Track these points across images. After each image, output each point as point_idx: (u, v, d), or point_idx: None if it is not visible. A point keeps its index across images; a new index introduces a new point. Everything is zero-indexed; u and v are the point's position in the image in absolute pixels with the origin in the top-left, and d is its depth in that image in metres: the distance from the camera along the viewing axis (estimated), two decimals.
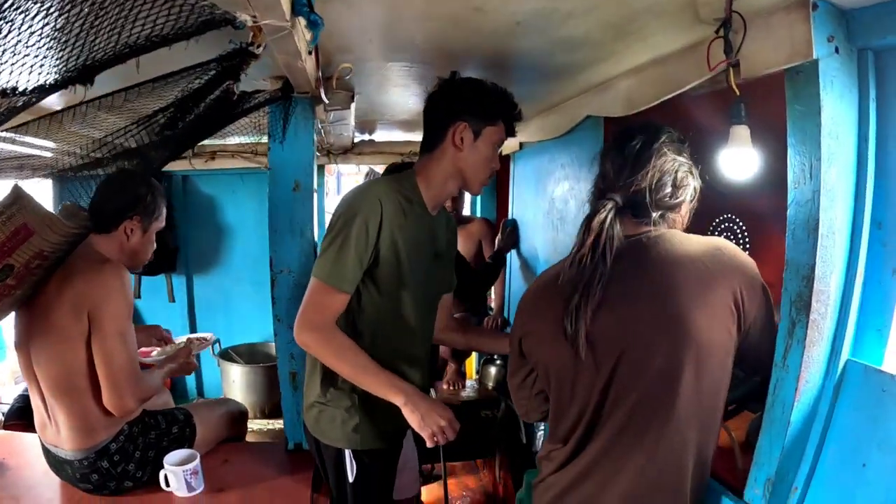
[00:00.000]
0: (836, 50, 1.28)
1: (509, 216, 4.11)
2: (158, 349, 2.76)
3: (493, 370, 3.92)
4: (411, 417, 1.87)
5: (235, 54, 1.48)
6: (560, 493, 1.64)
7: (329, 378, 2.04)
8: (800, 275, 1.37)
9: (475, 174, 1.99)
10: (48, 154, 2.59)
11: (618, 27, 1.74)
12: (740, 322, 1.43)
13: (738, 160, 1.65)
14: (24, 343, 2.15)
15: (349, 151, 4.29)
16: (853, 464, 1.36)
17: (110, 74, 1.28)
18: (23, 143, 2.36)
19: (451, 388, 3.97)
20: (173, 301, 4.64)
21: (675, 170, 1.53)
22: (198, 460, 2.24)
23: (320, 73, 2.04)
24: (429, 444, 1.90)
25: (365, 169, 6.75)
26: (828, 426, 1.42)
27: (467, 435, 3.63)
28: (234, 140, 3.94)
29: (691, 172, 1.57)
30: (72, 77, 1.22)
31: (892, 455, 1.27)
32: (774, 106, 1.51)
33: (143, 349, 2.67)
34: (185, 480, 2.19)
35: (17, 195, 1.78)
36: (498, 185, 4.72)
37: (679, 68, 1.81)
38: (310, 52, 1.74)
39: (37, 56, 1.06)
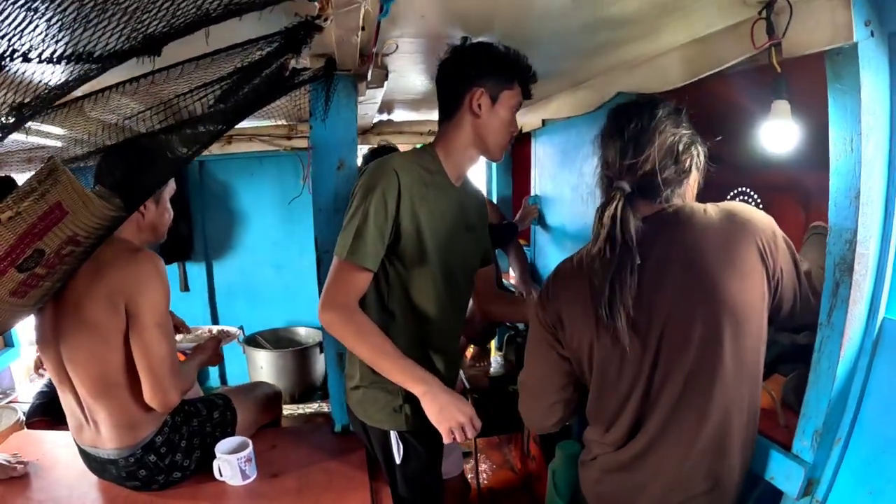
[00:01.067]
0: (872, 34, 1.36)
1: (532, 193, 4.06)
2: (180, 335, 2.72)
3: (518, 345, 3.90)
4: (429, 409, 1.85)
5: (301, 27, 1.44)
6: (617, 468, 1.68)
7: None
8: (843, 239, 1.46)
9: (495, 139, 1.98)
10: (58, 143, 2.51)
11: (665, 5, 1.72)
12: (769, 276, 1.48)
13: (779, 133, 1.70)
14: (53, 341, 2.04)
15: (369, 131, 4.23)
16: (891, 413, 1.46)
17: (176, 44, 1.24)
18: (37, 133, 2.29)
19: (477, 364, 3.94)
20: (187, 290, 4.60)
21: (676, 143, 1.54)
22: (251, 447, 2.20)
23: (374, 50, 1.99)
24: (446, 440, 1.87)
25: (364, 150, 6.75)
26: (867, 380, 1.52)
27: (494, 411, 3.66)
28: (250, 123, 3.90)
29: (694, 141, 1.58)
30: (138, 47, 1.17)
31: None
32: (803, 84, 1.62)
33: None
34: (240, 468, 2.16)
35: (53, 168, 1.56)
36: (515, 163, 4.67)
37: (718, 47, 1.84)
38: (363, 28, 1.69)
39: (109, 21, 1.00)
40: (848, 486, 1.54)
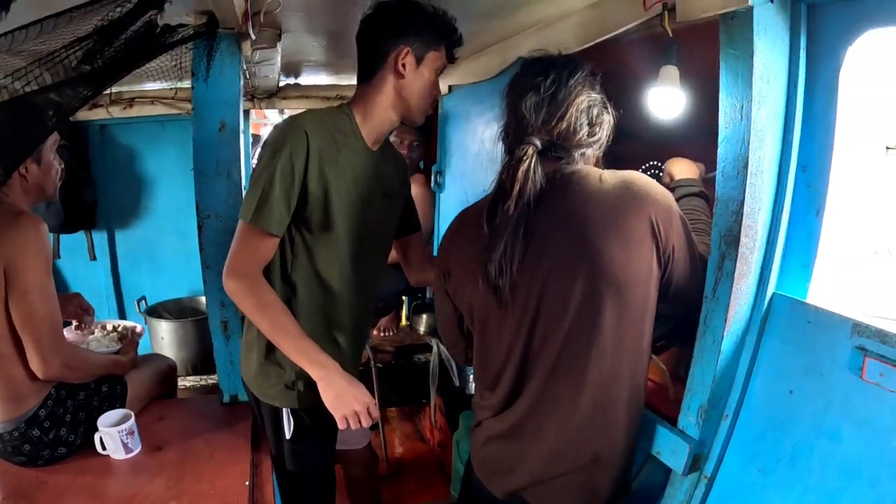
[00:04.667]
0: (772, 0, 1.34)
1: (436, 161, 4.03)
2: (93, 335, 2.62)
3: (424, 316, 3.94)
4: (325, 395, 1.83)
5: None
6: (499, 434, 1.69)
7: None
8: (729, 210, 1.45)
9: (418, 102, 1.91)
10: None
11: None
12: (659, 252, 1.46)
13: (666, 99, 1.74)
14: None
15: (274, 95, 4.12)
16: (780, 391, 1.48)
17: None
18: None
19: (382, 333, 3.95)
20: (94, 259, 4.43)
21: (591, 107, 1.55)
22: (132, 420, 2.13)
23: (248, 7, 1.91)
24: (340, 426, 1.85)
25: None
26: (755, 356, 1.54)
27: (402, 381, 3.65)
28: (153, 86, 3.77)
29: (605, 107, 1.59)
30: None
31: (818, 380, 1.39)
32: (702, 53, 1.61)
33: (75, 336, 2.53)
34: (122, 441, 2.09)
35: None
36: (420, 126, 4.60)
37: (614, 11, 1.83)
38: None
39: None
40: (737, 462, 1.57)
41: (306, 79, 4.07)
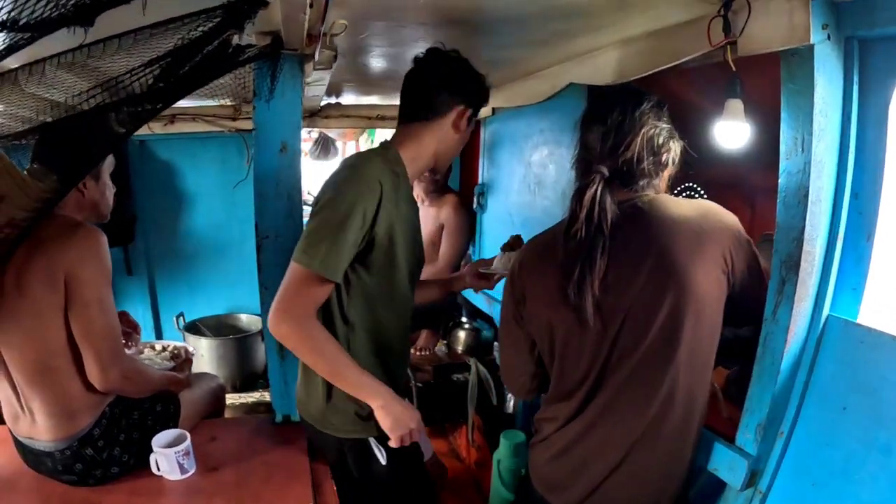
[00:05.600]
0: (829, 37, 1.41)
1: (479, 181, 4.03)
2: (142, 353, 2.63)
3: (462, 334, 3.93)
4: (384, 420, 1.85)
5: (244, 1, 1.36)
6: (563, 448, 1.72)
7: None
8: (790, 237, 1.52)
9: (453, 155, 2.05)
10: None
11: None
12: (729, 275, 1.55)
13: (732, 132, 1.78)
14: None
15: (316, 115, 4.13)
16: (834, 408, 1.53)
17: (110, 16, 1.15)
18: None
19: (420, 353, 3.94)
20: (131, 274, 4.43)
21: (657, 136, 1.61)
22: (188, 441, 2.12)
23: (321, 29, 1.92)
24: (394, 445, 1.88)
25: (315, 134, 6.60)
26: (810, 375, 1.60)
27: (440, 400, 3.63)
28: (194, 103, 3.77)
29: (672, 136, 1.66)
30: (69, 16, 1.08)
31: (869, 397, 1.45)
32: (754, 83, 1.72)
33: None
34: (178, 462, 2.08)
35: None
36: (462, 151, 4.59)
37: (673, 42, 1.86)
38: (311, 5, 1.62)
39: None
40: (790, 477, 1.62)
41: (347, 98, 4.07)
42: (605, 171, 1.57)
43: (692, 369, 1.56)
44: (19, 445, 2.09)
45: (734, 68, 1.59)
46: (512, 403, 3.59)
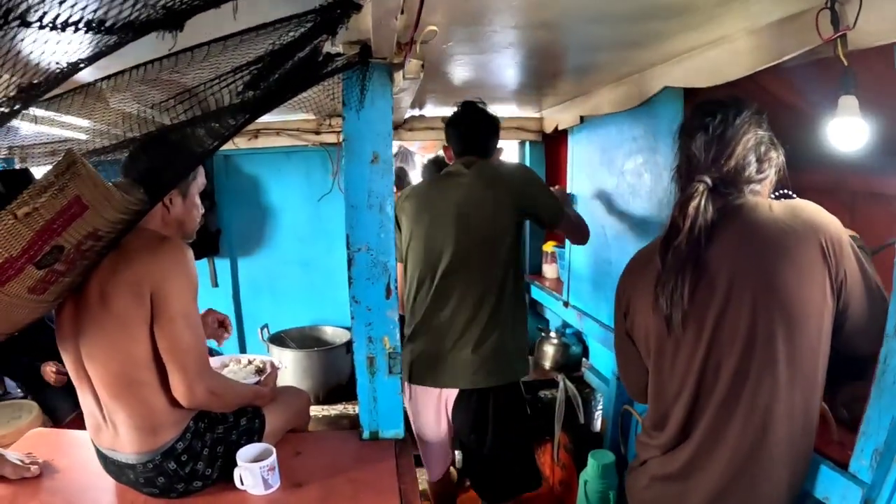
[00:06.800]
0: None
1: (568, 191, 3.95)
2: (227, 367, 2.63)
3: (550, 350, 3.88)
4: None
5: (337, 5, 1.32)
6: (663, 477, 1.68)
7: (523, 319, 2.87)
8: None
9: None
10: (83, 136, 2.42)
11: None
12: (831, 277, 1.45)
13: (848, 130, 1.64)
14: (72, 338, 1.96)
15: (400, 127, 4.13)
16: None
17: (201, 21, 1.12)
18: (60, 125, 2.22)
19: None
20: (216, 286, 4.55)
21: (759, 144, 1.59)
22: (274, 455, 2.08)
23: (411, 36, 1.89)
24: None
25: (395, 147, 6.62)
26: None
27: (526, 417, 3.56)
28: (278, 118, 3.86)
29: (773, 144, 1.62)
30: (159, 19, 1.05)
31: None
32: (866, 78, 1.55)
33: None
34: (262, 478, 2.04)
35: (72, 161, 1.50)
36: (548, 161, 4.60)
37: (775, 39, 1.79)
38: (402, 12, 1.57)
39: None
40: None
41: (430, 110, 4.06)
42: (709, 180, 1.55)
43: (794, 386, 1.48)
44: (101, 456, 2.09)
45: (846, 62, 1.51)
46: (600, 422, 3.54)
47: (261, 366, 2.66)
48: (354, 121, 2.17)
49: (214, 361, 2.61)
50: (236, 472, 2.07)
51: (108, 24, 0.88)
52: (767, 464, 1.51)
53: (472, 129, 2.87)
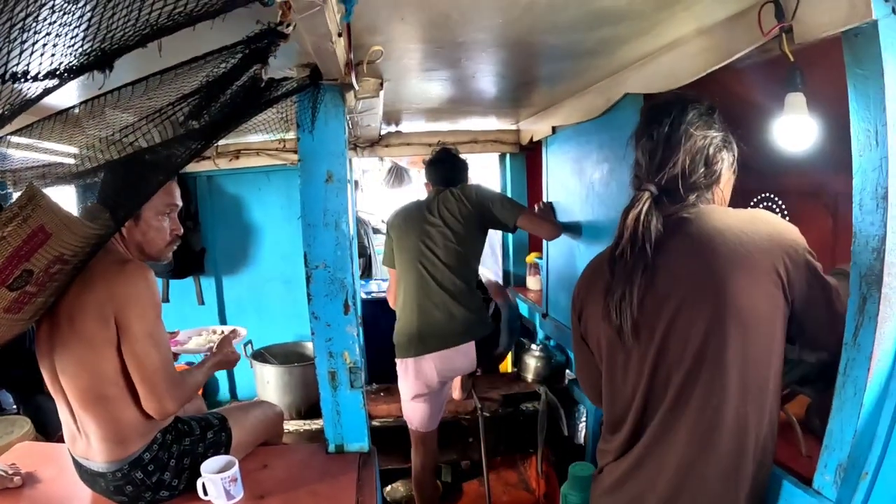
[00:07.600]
0: (894, 10, 1.23)
1: (545, 200, 3.99)
2: (194, 336, 2.69)
3: (531, 361, 3.85)
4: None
5: (264, 35, 1.37)
6: (614, 483, 1.64)
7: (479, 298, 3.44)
8: (869, 247, 1.33)
9: None
10: (71, 161, 2.49)
11: None
12: (785, 290, 1.42)
13: (795, 129, 1.62)
14: (48, 354, 2.03)
15: (376, 144, 4.20)
16: None
17: (131, 59, 1.17)
18: (44, 151, 2.27)
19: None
20: (202, 304, 4.62)
21: (706, 147, 1.53)
22: (236, 467, 2.14)
23: (351, 57, 1.94)
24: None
25: (388, 164, 6.68)
26: None
27: (509, 429, 3.59)
28: (257, 138, 3.91)
29: (725, 145, 1.57)
30: (88, 63, 1.10)
31: None
32: (823, 76, 1.55)
33: (178, 338, 2.63)
34: (224, 488, 2.10)
35: (32, 195, 1.60)
36: (529, 171, 4.69)
37: (725, 38, 1.77)
38: (340, 34, 1.63)
39: (47, 34, 0.93)
40: None
41: (407, 126, 4.12)
42: (654, 188, 1.53)
43: (745, 395, 1.42)
44: (76, 464, 2.16)
45: (791, 58, 1.48)
46: (583, 434, 3.48)
47: (233, 336, 2.75)
48: (309, 141, 2.22)
49: (188, 332, 2.73)
50: (199, 483, 2.12)
51: (31, 74, 0.93)
52: (715, 475, 1.46)
53: (446, 168, 3.57)
